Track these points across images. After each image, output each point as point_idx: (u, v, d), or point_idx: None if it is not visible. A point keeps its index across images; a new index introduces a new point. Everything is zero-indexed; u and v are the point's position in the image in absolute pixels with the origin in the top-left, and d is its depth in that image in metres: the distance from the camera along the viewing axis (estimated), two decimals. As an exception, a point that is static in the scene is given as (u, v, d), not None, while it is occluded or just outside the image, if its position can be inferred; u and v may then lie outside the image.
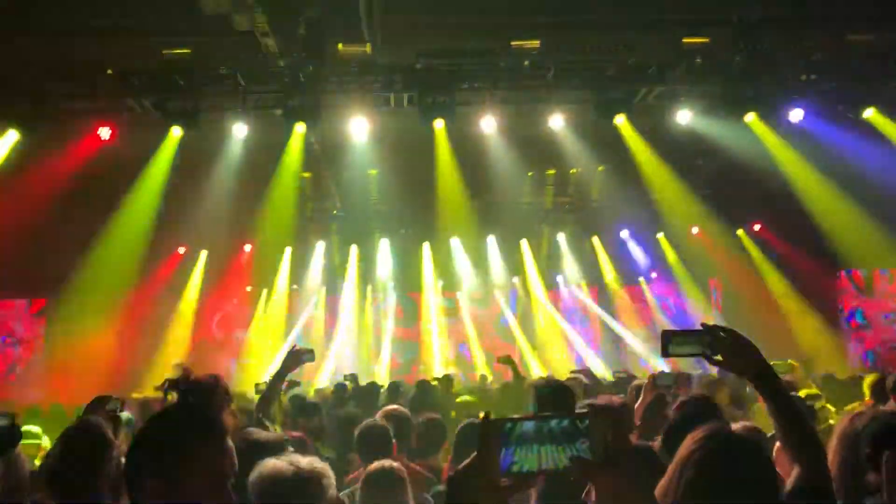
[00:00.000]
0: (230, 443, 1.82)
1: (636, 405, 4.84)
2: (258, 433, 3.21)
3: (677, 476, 2.14)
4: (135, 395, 7.74)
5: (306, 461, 2.59)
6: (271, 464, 2.55)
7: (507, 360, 9.14)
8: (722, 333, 2.42)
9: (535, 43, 10.82)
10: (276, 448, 3.04)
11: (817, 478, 2.33)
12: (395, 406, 5.59)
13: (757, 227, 18.16)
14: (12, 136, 11.60)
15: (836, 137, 12.60)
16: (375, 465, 3.79)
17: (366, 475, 3.77)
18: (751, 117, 11.96)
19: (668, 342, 2.49)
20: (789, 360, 9.44)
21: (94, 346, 14.73)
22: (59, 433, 3.84)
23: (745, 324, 17.31)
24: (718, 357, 2.40)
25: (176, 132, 11.92)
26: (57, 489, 3.12)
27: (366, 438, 4.48)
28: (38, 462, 4.78)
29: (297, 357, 5.10)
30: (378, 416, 5.12)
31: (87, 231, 13.94)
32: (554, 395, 3.99)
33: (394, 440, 4.58)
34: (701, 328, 2.46)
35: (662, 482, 2.16)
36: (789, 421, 2.38)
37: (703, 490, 2.08)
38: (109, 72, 10.94)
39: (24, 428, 5.51)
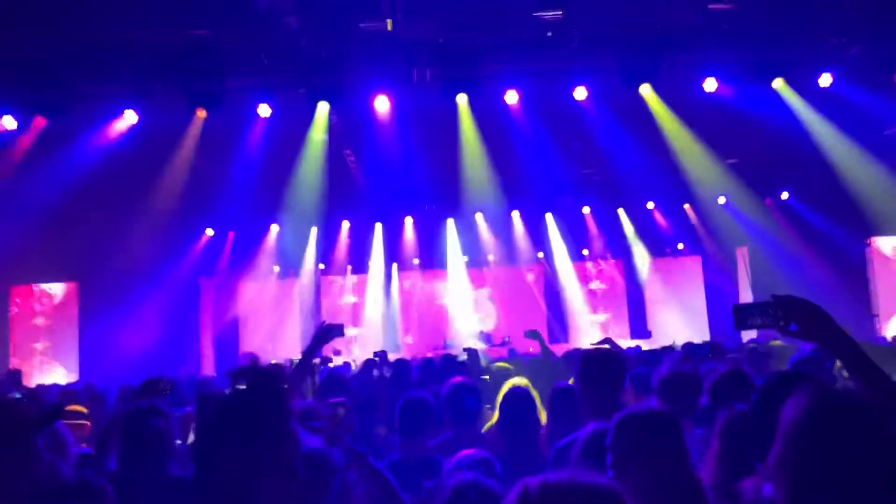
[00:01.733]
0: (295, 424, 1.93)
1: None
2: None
3: (784, 446, 1.97)
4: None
5: None
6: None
7: (535, 335, 9.13)
8: (793, 305, 2.41)
9: (558, 13, 10.68)
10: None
11: None
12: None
13: (785, 196, 17.92)
14: (40, 122, 11.74)
15: (866, 102, 12.38)
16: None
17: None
18: (779, 83, 11.77)
19: (741, 315, 2.53)
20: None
21: (127, 330, 14.93)
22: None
23: (774, 293, 17.17)
24: (793, 329, 2.38)
25: (201, 114, 11.99)
26: (128, 465, 3.27)
27: (407, 411, 4.47)
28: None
29: (327, 333, 5.13)
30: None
31: (117, 215, 14.09)
32: (601, 363, 3.98)
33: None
34: (772, 299, 2.47)
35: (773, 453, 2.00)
36: (872, 383, 2.30)
37: (816, 459, 1.90)
38: (133, 55, 10.97)
39: (71, 407, 5.63)
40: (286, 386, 1.92)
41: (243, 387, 1.95)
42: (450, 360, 9.62)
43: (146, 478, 3.40)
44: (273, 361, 15.01)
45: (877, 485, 1.85)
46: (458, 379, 4.92)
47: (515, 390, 4.72)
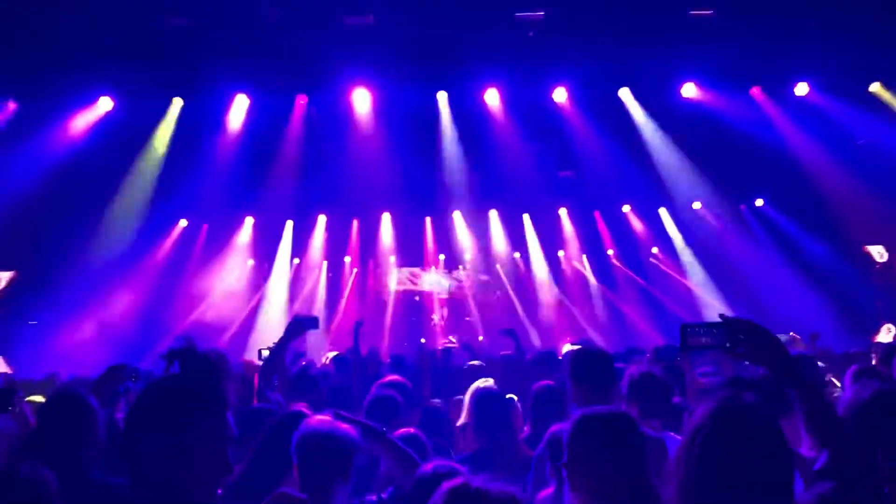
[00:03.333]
0: (229, 416, 1.85)
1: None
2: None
3: (686, 448, 2.09)
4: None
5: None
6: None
7: (510, 333, 9.13)
8: (741, 326, 2.38)
9: (540, 14, 10.71)
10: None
11: (843, 466, 2.30)
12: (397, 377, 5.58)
13: (760, 203, 18.08)
14: (12, 107, 11.55)
15: (841, 112, 12.54)
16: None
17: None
18: (756, 91, 11.88)
19: (687, 335, 2.46)
20: (791, 333, 9.46)
21: (95, 320, 14.72)
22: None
23: (749, 299, 17.35)
24: (739, 350, 2.36)
25: (177, 103, 11.86)
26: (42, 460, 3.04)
27: (375, 407, 4.45)
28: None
29: (300, 325, 5.06)
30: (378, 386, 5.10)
31: (90, 203, 13.87)
32: (593, 361, 3.97)
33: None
34: (720, 320, 2.41)
35: (676, 454, 2.13)
36: (815, 410, 2.34)
37: (713, 464, 2.02)
38: (109, 42, 10.82)
39: (31, 398, 5.51)
40: (226, 373, 1.85)
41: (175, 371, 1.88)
42: (425, 357, 9.59)
43: (65, 478, 3.15)
44: (246, 357, 14.91)
45: (760, 487, 1.97)
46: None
47: (489, 392, 4.69)
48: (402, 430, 3.78)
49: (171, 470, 1.76)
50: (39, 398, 5.81)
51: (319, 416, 3.17)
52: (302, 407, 4.75)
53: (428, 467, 2.97)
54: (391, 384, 5.10)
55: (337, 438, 2.93)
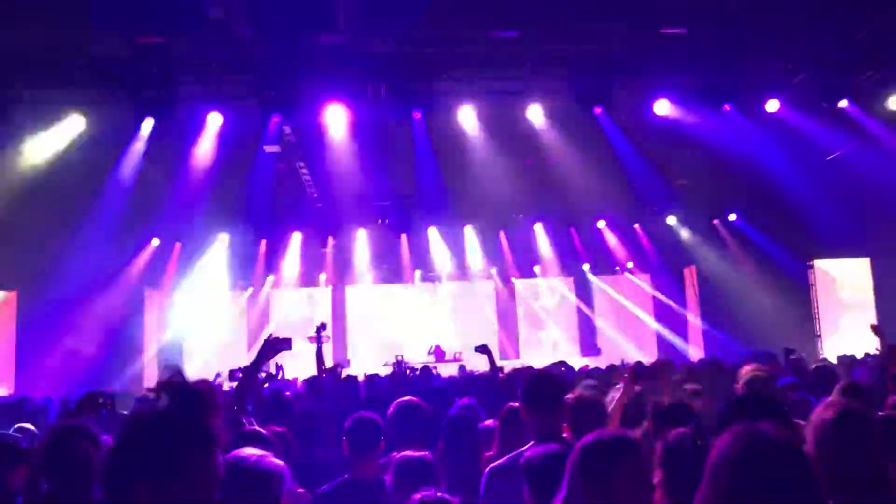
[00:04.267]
0: (218, 453, 1.79)
1: (615, 401, 4.79)
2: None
3: (711, 481, 2.01)
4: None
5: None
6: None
7: (484, 350, 9.10)
8: None
9: (513, 33, 10.76)
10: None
11: None
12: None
13: (733, 217, 18.29)
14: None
15: (810, 129, 12.72)
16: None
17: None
18: (728, 108, 12.01)
19: None
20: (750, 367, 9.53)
21: (69, 341, 14.49)
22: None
23: (721, 313, 17.51)
24: None
25: (149, 122, 11.75)
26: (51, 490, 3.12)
27: (355, 432, 4.36)
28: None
29: (273, 346, 5.00)
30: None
31: (60, 221, 13.68)
32: (542, 386, 3.95)
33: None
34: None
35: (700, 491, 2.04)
36: None
37: (740, 496, 1.95)
38: (81, 60, 10.70)
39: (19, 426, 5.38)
40: (214, 406, 1.78)
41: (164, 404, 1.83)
42: (399, 377, 9.55)
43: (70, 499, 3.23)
44: (218, 375, 14.73)
45: None
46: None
47: (455, 415, 4.67)
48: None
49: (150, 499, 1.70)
50: (26, 425, 5.69)
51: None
52: (275, 430, 4.68)
53: (416, 497, 2.93)
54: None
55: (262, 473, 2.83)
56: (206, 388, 2.79)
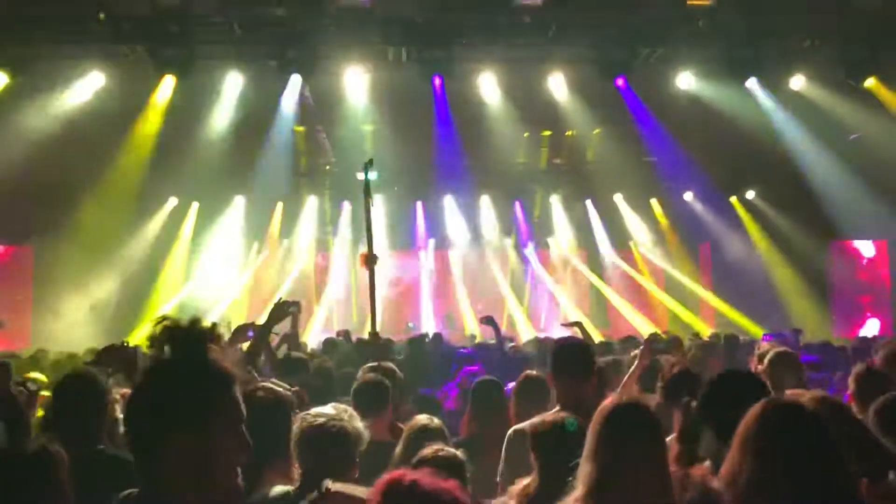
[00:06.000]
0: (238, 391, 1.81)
1: (632, 369, 4.83)
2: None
3: (740, 453, 2.13)
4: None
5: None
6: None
7: (490, 321, 9.13)
8: None
9: (537, 0, 10.64)
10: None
11: None
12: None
13: (751, 195, 18.13)
14: (2, 79, 11.40)
15: (833, 107, 12.56)
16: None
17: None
18: (752, 82, 11.88)
19: None
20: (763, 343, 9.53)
21: (84, 295, 14.63)
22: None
23: (735, 291, 17.44)
24: None
25: (169, 80, 11.75)
26: (57, 437, 3.12)
27: (362, 394, 4.42)
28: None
29: (283, 308, 5.11)
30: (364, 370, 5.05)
31: (79, 178, 13.76)
32: (573, 353, 3.99)
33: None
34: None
35: (727, 463, 2.16)
36: None
37: (772, 464, 2.07)
38: (102, 17, 10.68)
39: (29, 375, 5.48)
40: (217, 349, 1.76)
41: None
42: (415, 343, 9.60)
43: (75, 452, 3.23)
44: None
45: (819, 488, 2.02)
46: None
47: (484, 380, 4.75)
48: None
49: (186, 451, 1.71)
50: (37, 375, 5.78)
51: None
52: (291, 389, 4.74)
53: (427, 451, 3.00)
54: (380, 369, 5.07)
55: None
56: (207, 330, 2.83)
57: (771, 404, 2.18)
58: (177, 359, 1.78)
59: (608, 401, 2.71)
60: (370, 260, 5.79)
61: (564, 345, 4.18)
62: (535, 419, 3.45)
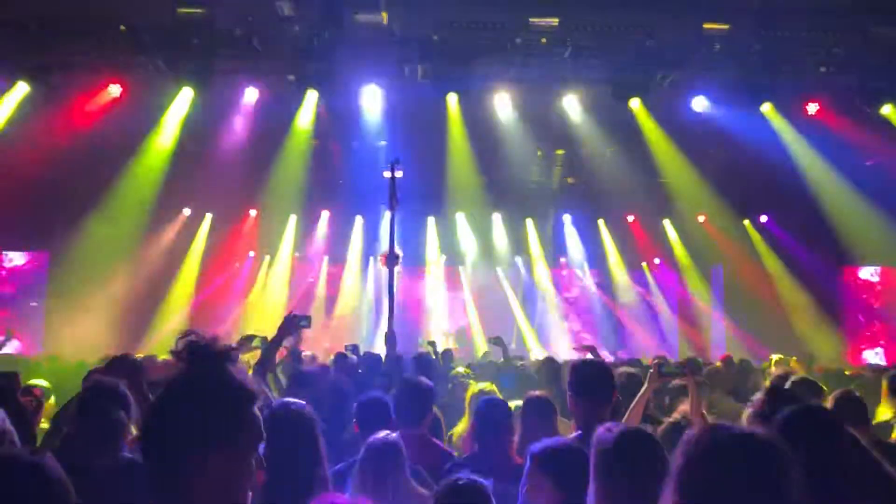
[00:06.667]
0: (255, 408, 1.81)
1: (641, 393, 4.78)
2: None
3: (672, 478, 1.98)
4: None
5: None
6: None
7: (497, 341, 9.11)
8: None
9: (554, 21, 10.69)
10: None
11: None
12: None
13: (764, 219, 18.07)
14: (22, 88, 11.54)
15: (850, 133, 12.51)
16: (377, 437, 3.75)
17: (366, 447, 3.73)
18: (767, 108, 11.86)
19: None
20: (792, 359, 9.47)
21: (97, 303, 14.72)
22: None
23: (746, 315, 17.33)
24: None
25: (187, 92, 11.85)
26: (82, 448, 3.18)
27: (365, 410, 4.42)
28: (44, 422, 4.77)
29: (293, 323, 5.10)
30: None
31: (94, 187, 13.88)
32: (594, 375, 3.97)
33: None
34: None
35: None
36: None
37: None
38: (122, 28, 10.80)
39: (32, 382, 5.52)
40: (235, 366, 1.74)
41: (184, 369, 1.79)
42: (423, 359, 9.56)
43: (98, 461, 3.29)
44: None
45: None
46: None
47: (491, 399, 4.68)
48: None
49: (211, 468, 1.69)
50: (40, 381, 5.82)
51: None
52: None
53: (453, 479, 2.99)
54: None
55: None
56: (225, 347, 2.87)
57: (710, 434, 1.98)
58: (201, 374, 1.76)
59: (614, 430, 2.67)
60: (391, 259, 5.80)
61: (586, 366, 4.16)
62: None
